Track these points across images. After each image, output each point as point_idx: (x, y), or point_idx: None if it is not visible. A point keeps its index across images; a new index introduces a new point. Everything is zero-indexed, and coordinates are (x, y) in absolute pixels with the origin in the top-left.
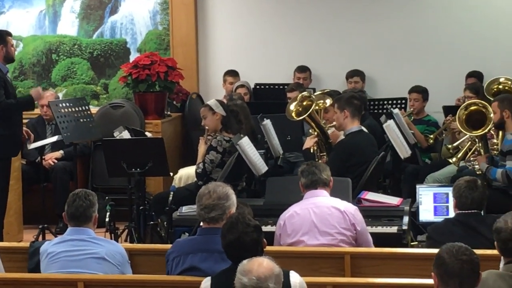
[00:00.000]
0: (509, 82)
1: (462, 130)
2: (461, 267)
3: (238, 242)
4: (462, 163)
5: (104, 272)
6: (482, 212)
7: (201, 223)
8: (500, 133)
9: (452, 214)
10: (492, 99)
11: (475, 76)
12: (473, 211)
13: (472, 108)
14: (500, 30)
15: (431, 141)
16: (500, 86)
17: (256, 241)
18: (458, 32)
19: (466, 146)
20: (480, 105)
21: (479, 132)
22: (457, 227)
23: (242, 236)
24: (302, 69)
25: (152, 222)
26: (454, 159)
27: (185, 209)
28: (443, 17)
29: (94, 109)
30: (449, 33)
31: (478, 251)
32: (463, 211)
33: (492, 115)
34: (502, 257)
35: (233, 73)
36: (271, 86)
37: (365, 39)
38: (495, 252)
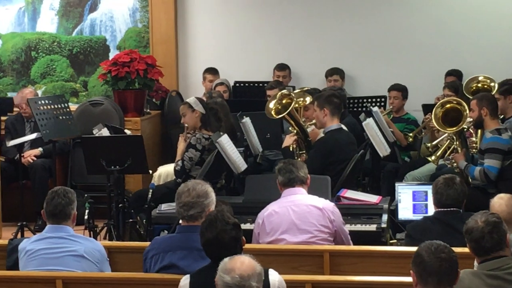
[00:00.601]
0: (488, 81)
1: (439, 128)
2: (440, 265)
3: (217, 240)
4: (441, 161)
5: (82, 269)
6: (461, 210)
7: (180, 221)
8: (479, 131)
9: (431, 212)
10: (471, 97)
11: (454, 75)
12: (451, 209)
13: (448, 106)
14: (479, 29)
15: (411, 139)
16: (479, 85)
17: (235, 239)
18: (437, 30)
19: (445, 145)
20: (455, 102)
21: (455, 129)
22: (435, 225)
23: (221, 234)
24: (282, 67)
25: (131, 220)
26: (433, 157)
27: (164, 207)
28: (423, 16)
29: (73, 107)
30: (429, 31)
31: (456, 249)
32: (442, 209)
33: (467, 112)
34: (475, 258)
35: (212, 71)
36: (251, 84)
37: (345, 38)
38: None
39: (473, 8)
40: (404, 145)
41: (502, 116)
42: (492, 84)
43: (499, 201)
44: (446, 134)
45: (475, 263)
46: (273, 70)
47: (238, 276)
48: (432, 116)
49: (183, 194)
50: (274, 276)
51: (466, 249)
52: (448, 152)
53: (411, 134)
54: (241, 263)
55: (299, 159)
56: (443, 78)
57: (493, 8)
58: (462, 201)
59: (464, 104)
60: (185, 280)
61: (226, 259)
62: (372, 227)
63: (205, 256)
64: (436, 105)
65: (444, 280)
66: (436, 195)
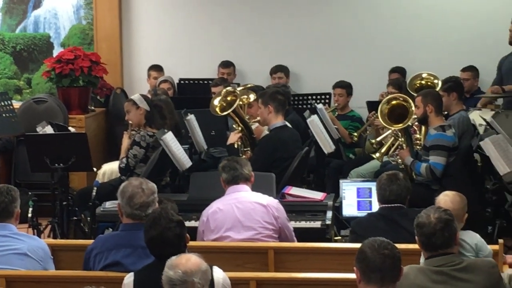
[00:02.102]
0: (432, 78)
1: (384, 125)
2: (383, 261)
3: (161, 237)
4: (385, 158)
5: (26, 268)
6: (404, 206)
7: (124, 219)
8: (423, 128)
9: (375, 208)
10: (414, 94)
11: (398, 72)
12: (395, 205)
13: (394, 102)
14: (422, 26)
15: (356, 138)
16: (423, 82)
17: (179, 236)
18: (382, 28)
19: (390, 141)
20: (401, 99)
21: (401, 126)
22: (380, 221)
23: (165, 232)
24: (226, 64)
25: (75, 218)
26: (377, 154)
27: (108, 205)
28: (367, 13)
29: (17, 104)
30: (373, 29)
31: (400, 246)
32: (386, 205)
33: (413, 108)
34: (422, 252)
35: (157, 68)
36: (196, 81)
37: (289, 35)
38: (416, 246)
39: (417, 5)
40: (349, 142)
41: (446, 112)
42: (436, 81)
43: (444, 198)
44: (390, 131)
45: (421, 259)
46: (217, 68)
47: (181, 271)
48: (378, 112)
49: (137, 195)
50: (218, 273)
51: (410, 245)
52: (393, 148)
53: (355, 134)
54: (187, 260)
55: (243, 156)
56: (387, 75)
57: (437, 5)
58: (406, 196)
59: (410, 101)
60: (129, 278)
61: (173, 257)
62: (317, 224)
63: (149, 254)
64: (382, 102)
65: (387, 277)
66: (379, 191)
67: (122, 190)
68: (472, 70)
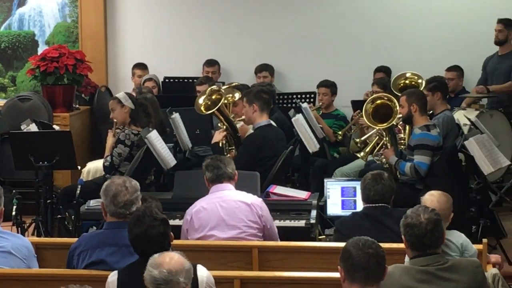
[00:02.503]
0: (416, 77)
1: (369, 124)
2: (367, 261)
3: (145, 235)
4: (370, 158)
5: (10, 266)
6: (389, 206)
7: (108, 217)
8: (407, 127)
9: (360, 208)
10: (399, 94)
11: (383, 71)
12: (380, 204)
13: (379, 101)
14: (407, 26)
15: (340, 137)
16: (407, 81)
17: (163, 234)
18: (367, 27)
19: (374, 141)
20: (386, 98)
21: (385, 125)
22: (364, 220)
23: (149, 230)
24: (211, 63)
25: (59, 216)
26: (362, 153)
27: (93, 203)
28: (352, 12)
29: (1, 102)
30: (358, 28)
31: (384, 245)
32: (371, 205)
33: (398, 108)
34: (407, 252)
35: (141, 66)
36: (180, 80)
37: (274, 34)
38: (401, 246)
39: (401, 5)
40: (333, 141)
41: (431, 112)
42: (420, 80)
43: (430, 198)
44: (375, 130)
45: (406, 259)
46: (202, 66)
47: (166, 271)
48: (363, 112)
49: (121, 193)
50: (202, 272)
51: (393, 245)
52: (377, 148)
53: (340, 132)
54: (170, 259)
55: (228, 155)
56: (372, 74)
57: (423, 5)
58: (390, 196)
59: (395, 100)
60: (113, 276)
61: (156, 255)
62: (301, 223)
63: (133, 252)
64: (367, 101)
65: (371, 276)
66: (364, 191)
67: (105, 189)
68: (456, 69)
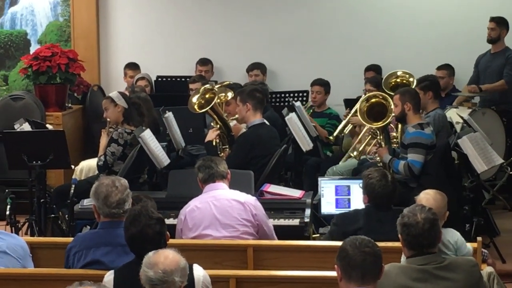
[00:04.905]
0: (407, 76)
1: (363, 122)
2: (364, 259)
3: (141, 234)
4: (362, 156)
5: (5, 266)
6: (392, 206)
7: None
8: (400, 126)
9: (353, 206)
10: (390, 92)
11: (373, 70)
12: (381, 203)
13: (373, 100)
14: (399, 24)
15: (332, 140)
16: (398, 80)
17: (159, 233)
18: (359, 25)
19: (367, 140)
20: (381, 97)
21: (380, 124)
22: (363, 218)
23: (145, 229)
24: (204, 62)
25: (53, 215)
26: (355, 153)
27: (86, 202)
28: (344, 11)
29: None
30: (350, 26)
31: (380, 244)
32: (372, 203)
33: (392, 106)
34: (404, 250)
35: (133, 66)
36: (173, 79)
37: (266, 32)
38: (397, 244)
39: (394, 3)
40: (326, 141)
41: (422, 111)
42: (411, 79)
43: (426, 197)
44: (366, 128)
45: (403, 258)
46: (195, 65)
47: (161, 271)
48: (358, 110)
49: (112, 194)
50: (198, 271)
51: (389, 244)
52: (370, 147)
53: (332, 137)
54: (165, 258)
55: (222, 153)
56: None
57: (414, 3)
58: (394, 197)
59: (389, 99)
60: (109, 275)
61: (150, 253)
62: (295, 222)
63: (129, 252)
64: (361, 100)
65: (368, 274)
66: (368, 191)
67: (95, 192)
68: (447, 68)
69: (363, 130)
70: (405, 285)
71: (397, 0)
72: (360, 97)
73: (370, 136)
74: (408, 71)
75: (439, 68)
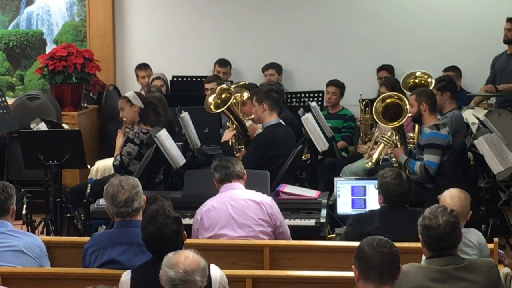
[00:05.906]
0: (425, 76)
1: (379, 122)
2: (381, 260)
3: (158, 233)
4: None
5: (22, 265)
6: (407, 207)
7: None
8: (416, 126)
9: (369, 207)
10: (408, 92)
11: (386, 69)
12: (398, 203)
13: (389, 100)
14: (414, 24)
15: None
16: (416, 80)
17: (176, 232)
18: (374, 26)
19: (380, 148)
20: (396, 97)
21: (396, 124)
22: (380, 218)
23: (162, 228)
24: (223, 63)
25: (68, 215)
26: (369, 163)
27: (102, 202)
28: (360, 11)
29: (10, 101)
30: (366, 26)
31: (398, 244)
32: (388, 204)
33: (407, 107)
34: (424, 251)
35: (143, 67)
36: (188, 78)
37: (282, 32)
38: (415, 245)
39: (410, 3)
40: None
41: (439, 112)
42: (430, 79)
43: (450, 195)
44: (376, 134)
45: (423, 257)
46: (214, 65)
47: (182, 271)
48: (373, 110)
49: (119, 193)
50: (215, 271)
51: (405, 244)
52: (385, 150)
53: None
54: (185, 258)
55: (238, 153)
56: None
57: (430, 4)
58: (409, 197)
59: (405, 99)
60: (126, 275)
61: (170, 254)
62: (311, 222)
63: (145, 251)
64: (377, 100)
65: (385, 275)
66: (384, 190)
67: (105, 192)
68: (454, 70)
69: (374, 136)
70: (423, 285)
71: (415, 1)
72: (375, 99)
73: (382, 144)
74: (426, 72)
75: (446, 69)
